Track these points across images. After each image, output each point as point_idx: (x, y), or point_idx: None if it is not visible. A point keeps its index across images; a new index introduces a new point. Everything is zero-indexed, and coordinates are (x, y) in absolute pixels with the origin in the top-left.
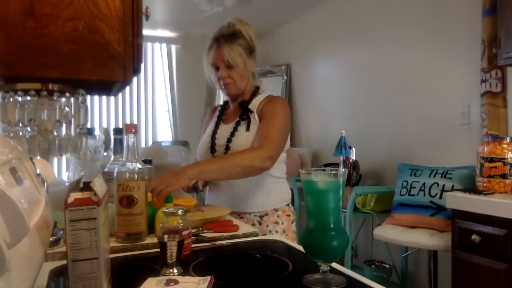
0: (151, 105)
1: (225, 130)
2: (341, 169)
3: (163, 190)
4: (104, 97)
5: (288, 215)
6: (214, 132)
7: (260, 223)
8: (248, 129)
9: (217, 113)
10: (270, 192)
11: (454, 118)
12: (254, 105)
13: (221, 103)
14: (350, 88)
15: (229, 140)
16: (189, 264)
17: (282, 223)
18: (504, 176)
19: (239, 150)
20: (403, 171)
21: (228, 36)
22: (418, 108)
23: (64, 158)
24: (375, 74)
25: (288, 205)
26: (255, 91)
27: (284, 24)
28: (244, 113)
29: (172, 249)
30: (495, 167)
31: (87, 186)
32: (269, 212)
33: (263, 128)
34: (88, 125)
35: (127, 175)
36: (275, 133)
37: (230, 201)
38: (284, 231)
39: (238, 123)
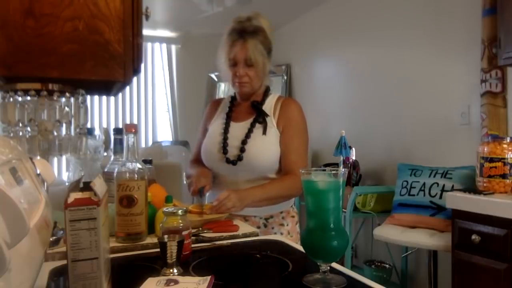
0: (151, 105)
1: (237, 129)
2: (341, 169)
3: (228, 209)
4: (104, 97)
5: (293, 216)
6: (225, 131)
7: (265, 226)
8: (264, 132)
9: (225, 109)
10: None
11: (454, 118)
12: (268, 107)
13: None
14: (350, 88)
15: (243, 142)
16: (189, 264)
17: (287, 225)
18: (504, 176)
19: (254, 153)
20: (403, 171)
21: (252, 33)
22: (418, 108)
23: (64, 158)
24: (375, 74)
25: (292, 206)
26: (266, 91)
27: (284, 24)
28: (259, 115)
29: (172, 249)
30: (495, 167)
31: (87, 186)
32: (274, 214)
33: (293, 147)
34: (88, 125)
35: (127, 175)
36: (305, 152)
37: None
38: (288, 233)
39: (252, 125)
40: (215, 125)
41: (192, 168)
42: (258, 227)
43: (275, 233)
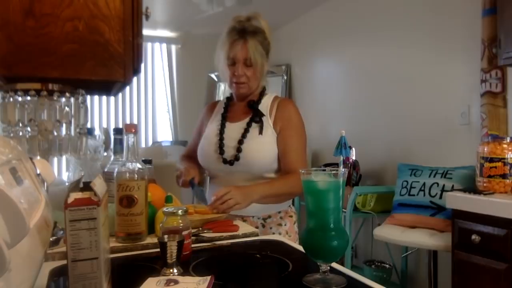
0: (151, 105)
1: (233, 130)
2: (341, 169)
3: (230, 207)
4: (104, 97)
5: (291, 216)
6: (221, 132)
7: (263, 226)
8: (261, 132)
9: (220, 110)
10: None
11: (454, 118)
12: (264, 107)
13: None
14: (350, 88)
15: (240, 142)
16: (189, 264)
17: (285, 225)
18: (504, 176)
19: (251, 153)
20: (403, 171)
21: (252, 32)
22: (418, 108)
23: (64, 158)
24: (375, 74)
25: (290, 206)
26: (262, 91)
27: (284, 24)
28: (255, 115)
29: (172, 249)
30: (495, 167)
31: (87, 186)
32: (272, 214)
33: (293, 147)
34: (88, 125)
35: (127, 175)
36: (304, 151)
37: None
38: (287, 233)
39: (249, 124)
40: (212, 127)
41: (182, 163)
42: (256, 227)
43: (273, 233)
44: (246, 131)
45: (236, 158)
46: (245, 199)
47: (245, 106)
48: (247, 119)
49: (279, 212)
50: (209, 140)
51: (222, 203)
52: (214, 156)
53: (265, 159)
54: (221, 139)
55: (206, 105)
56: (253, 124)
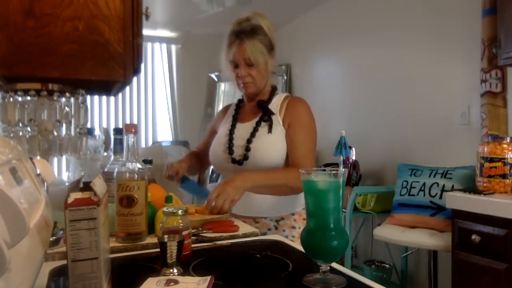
0: (151, 105)
1: (243, 129)
2: (341, 169)
3: (222, 208)
4: (104, 97)
5: (305, 219)
6: (231, 132)
7: (276, 228)
8: (270, 131)
9: (231, 112)
10: (287, 196)
11: (454, 118)
12: (274, 106)
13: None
14: (350, 88)
15: (249, 141)
16: (189, 264)
17: (299, 228)
18: (504, 176)
19: (260, 151)
20: (403, 171)
21: (249, 32)
22: (418, 108)
23: (64, 158)
24: (375, 74)
25: (303, 208)
26: (273, 90)
27: (284, 24)
28: (265, 114)
29: (172, 249)
30: (495, 167)
31: (87, 186)
32: (285, 216)
33: (299, 143)
34: (88, 125)
35: (127, 175)
36: (312, 148)
37: (246, 206)
38: (300, 236)
39: (258, 124)
40: (223, 128)
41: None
42: (269, 229)
43: (287, 236)
44: (255, 130)
45: (245, 157)
46: (236, 192)
47: (255, 106)
48: (256, 119)
49: (293, 214)
50: (219, 140)
51: (217, 207)
52: (224, 156)
53: (274, 157)
54: (230, 139)
55: (220, 110)
56: (263, 123)
